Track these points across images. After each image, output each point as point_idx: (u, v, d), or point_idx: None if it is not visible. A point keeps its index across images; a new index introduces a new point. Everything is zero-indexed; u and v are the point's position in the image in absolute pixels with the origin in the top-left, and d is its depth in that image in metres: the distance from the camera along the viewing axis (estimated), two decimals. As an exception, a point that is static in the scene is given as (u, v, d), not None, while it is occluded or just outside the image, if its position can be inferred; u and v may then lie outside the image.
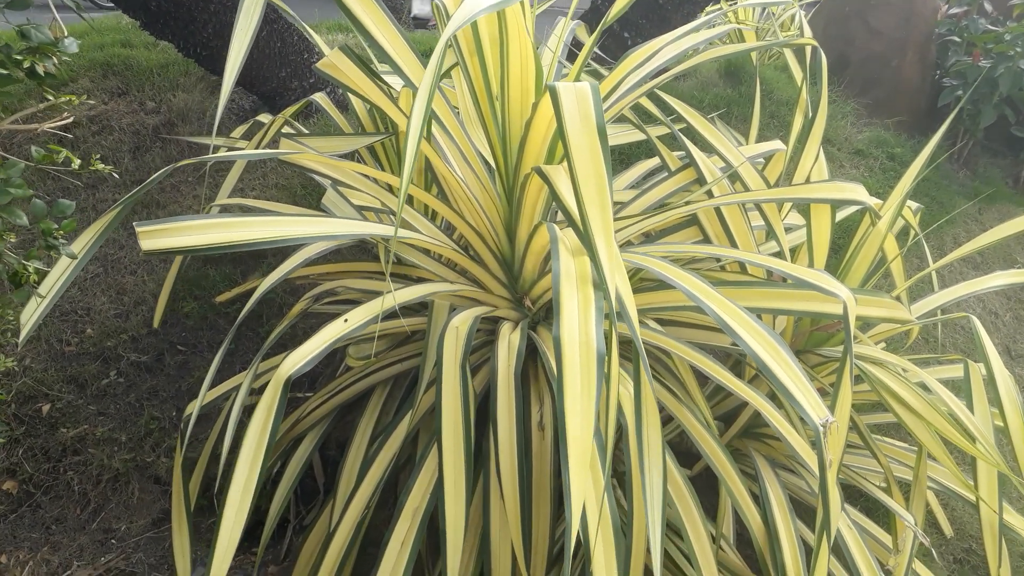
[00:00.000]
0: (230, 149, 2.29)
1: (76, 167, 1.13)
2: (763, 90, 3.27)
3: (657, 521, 1.30)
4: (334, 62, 1.58)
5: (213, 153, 2.45)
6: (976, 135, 3.59)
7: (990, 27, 3.58)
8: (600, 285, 1.14)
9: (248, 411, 1.34)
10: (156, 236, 1.23)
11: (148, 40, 2.97)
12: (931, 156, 1.90)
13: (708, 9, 2.99)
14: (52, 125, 1.09)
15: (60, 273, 1.17)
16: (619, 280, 1.15)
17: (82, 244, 1.21)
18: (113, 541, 2.07)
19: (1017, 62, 3.32)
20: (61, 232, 1.12)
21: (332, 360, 2.19)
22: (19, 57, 1.01)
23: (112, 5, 2.36)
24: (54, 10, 1.11)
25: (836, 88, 3.64)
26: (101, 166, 1.16)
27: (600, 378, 1.06)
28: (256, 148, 2.05)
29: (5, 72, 0.99)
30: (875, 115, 3.58)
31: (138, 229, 1.22)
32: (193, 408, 1.89)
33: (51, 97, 1.11)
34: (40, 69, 1.02)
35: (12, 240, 1.09)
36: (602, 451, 1.20)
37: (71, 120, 1.09)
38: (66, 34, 1.07)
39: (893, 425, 2.43)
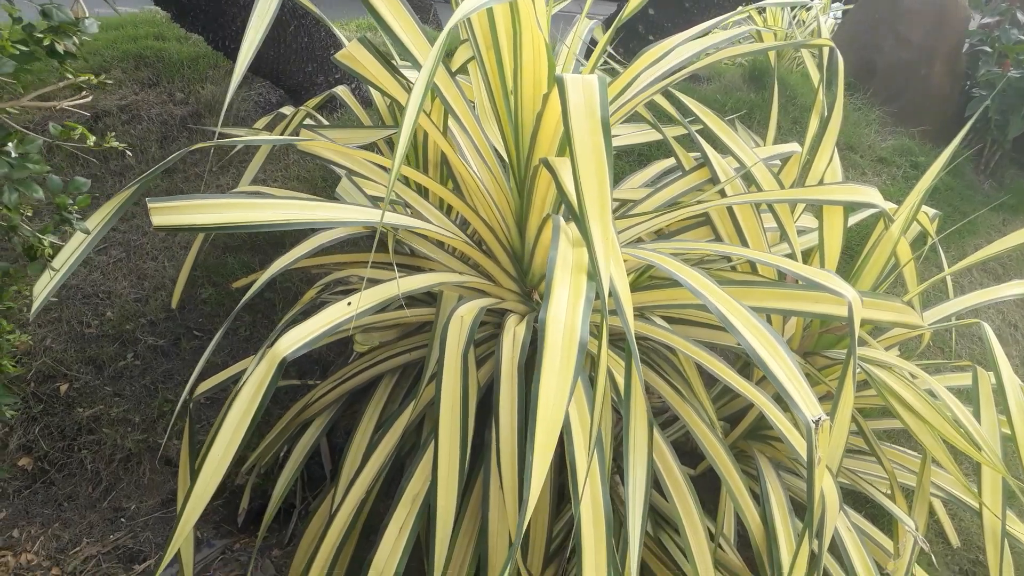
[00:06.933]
0: (252, 139, 2.33)
1: (91, 144, 1.16)
2: (787, 96, 3.26)
3: (638, 516, 1.30)
4: (352, 53, 1.61)
5: (236, 145, 2.50)
6: (1004, 146, 3.54)
7: (1022, 37, 3.54)
8: (593, 275, 1.15)
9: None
10: (167, 213, 1.26)
11: (180, 34, 3.03)
12: (950, 161, 1.88)
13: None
14: (71, 103, 1.13)
15: (74, 248, 1.21)
16: (614, 269, 1.15)
17: (97, 221, 1.25)
18: (123, 520, 2.12)
19: (1047, 74, 3.27)
20: (75, 208, 1.16)
21: (344, 349, 2.22)
22: (40, 35, 1.05)
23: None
24: (79, -6, 1.15)
25: (862, 96, 3.62)
26: (116, 143, 1.19)
27: (579, 363, 1.07)
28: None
29: (27, 49, 1.03)
30: (901, 124, 3.55)
31: (151, 205, 1.25)
32: (202, 388, 1.94)
33: (71, 76, 1.15)
34: (60, 48, 1.05)
35: (28, 214, 1.12)
36: (599, 446, 1.21)
37: (90, 99, 1.12)
38: (87, 15, 1.11)
39: (902, 432, 2.41)
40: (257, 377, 1.31)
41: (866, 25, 3.73)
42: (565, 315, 1.10)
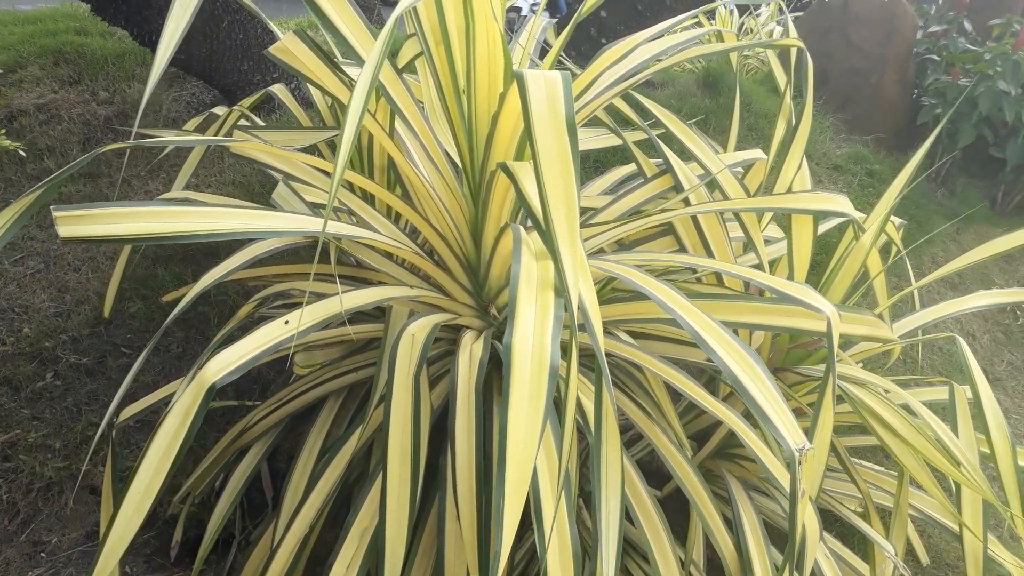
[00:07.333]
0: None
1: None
2: (742, 102, 3.21)
3: (612, 550, 1.19)
4: (288, 47, 1.47)
5: (165, 149, 2.33)
6: (955, 154, 3.55)
7: (969, 47, 3.55)
8: (561, 291, 1.04)
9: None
10: (76, 222, 1.12)
11: (104, 28, 2.84)
12: (916, 173, 1.83)
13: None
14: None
15: (-36, 263, 1.06)
16: (583, 286, 1.05)
17: (-8, 232, 1.09)
18: (43, 555, 1.93)
19: (996, 82, 3.28)
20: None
21: (285, 367, 2.07)
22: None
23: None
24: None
25: (815, 103, 3.59)
26: (7, 142, 1.04)
27: (550, 393, 0.96)
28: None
29: None
30: (854, 131, 3.53)
31: (56, 214, 1.10)
32: (130, 412, 1.78)
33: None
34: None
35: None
36: (566, 482, 1.09)
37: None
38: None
39: (869, 447, 2.36)
40: (183, 406, 1.16)
41: (817, 32, 3.72)
42: (533, 338, 0.99)
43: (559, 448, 1.22)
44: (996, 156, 3.52)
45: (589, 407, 1.43)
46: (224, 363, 1.17)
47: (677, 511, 1.90)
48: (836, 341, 1.32)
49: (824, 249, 2.32)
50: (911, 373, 2.54)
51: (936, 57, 3.66)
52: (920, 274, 2.91)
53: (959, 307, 1.97)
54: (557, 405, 1.30)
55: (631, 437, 1.97)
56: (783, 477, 1.47)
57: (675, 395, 1.74)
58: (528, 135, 1.05)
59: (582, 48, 3.29)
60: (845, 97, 3.60)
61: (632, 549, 1.80)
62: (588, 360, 1.65)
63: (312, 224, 1.30)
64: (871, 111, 3.58)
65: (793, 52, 1.70)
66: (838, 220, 2.03)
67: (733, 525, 1.66)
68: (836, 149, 3.33)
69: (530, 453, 0.89)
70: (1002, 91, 3.26)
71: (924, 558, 2.15)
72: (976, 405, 1.60)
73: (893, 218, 1.96)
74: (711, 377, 1.95)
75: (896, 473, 2.31)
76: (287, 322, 1.25)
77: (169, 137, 1.79)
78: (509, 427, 0.90)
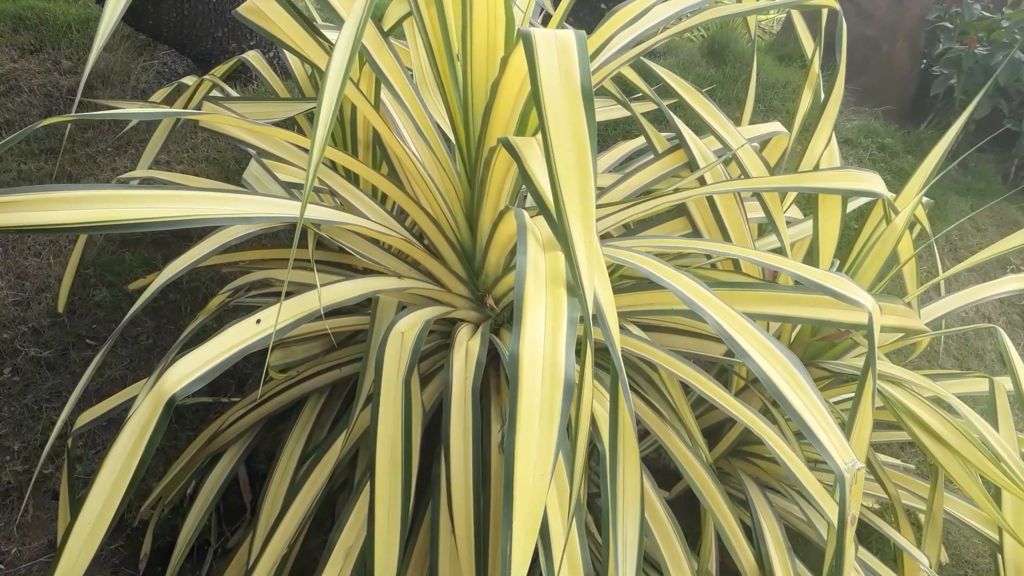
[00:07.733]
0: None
1: None
2: (747, 72, 3.05)
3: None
4: (259, 6, 1.30)
5: (130, 122, 2.15)
6: (969, 127, 3.39)
7: (985, 13, 3.39)
8: (575, 290, 0.90)
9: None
10: (10, 209, 0.96)
11: (68, -9, 2.64)
12: (950, 158, 1.69)
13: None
14: None
15: None
16: (599, 285, 0.90)
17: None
18: (1, 566, 1.78)
19: (1015, 51, 3.13)
20: None
21: (264, 359, 1.91)
22: None
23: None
24: None
25: (825, 73, 3.43)
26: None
27: (564, 414, 0.81)
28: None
29: None
30: (864, 102, 3.37)
31: (-18, 201, 0.94)
32: (96, 413, 1.63)
33: None
34: None
35: None
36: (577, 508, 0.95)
37: None
38: None
39: (885, 442, 2.23)
40: (139, 420, 1.01)
41: (826, -2, 3.54)
42: (544, 347, 0.84)
43: (569, 468, 1.08)
44: (1011, 129, 3.36)
45: (599, 412, 1.29)
46: (187, 370, 1.02)
47: (684, 509, 1.77)
48: (877, 336, 1.18)
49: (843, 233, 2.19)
50: (931, 361, 2.41)
51: (949, 25, 3.50)
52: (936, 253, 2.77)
53: (987, 293, 1.84)
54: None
55: (637, 433, 1.84)
56: (807, 479, 1.34)
57: (684, 389, 1.61)
58: (537, 106, 0.90)
59: (580, 14, 3.11)
60: (856, 67, 3.43)
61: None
62: (598, 357, 1.51)
63: (287, 209, 1.14)
64: (882, 82, 3.42)
65: (824, 13, 1.55)
66: (862, 201, 1.89)
67: (752, 534, 1.53)
68: (846, 122, 3.17)
69: (541, 489, 0.74)
70: (1022, 61, 3.10)
71: (943, 556, 2.04)
72: (1018, 401, 1.47)
73: (923, 198, 1.82)
74: (722, 368, 1.81)
75: (912, 467, 2.19)
76: (259, 321, 1.10)
77: (129, 109, 1.61)
78: (517, 458, 0.75)
